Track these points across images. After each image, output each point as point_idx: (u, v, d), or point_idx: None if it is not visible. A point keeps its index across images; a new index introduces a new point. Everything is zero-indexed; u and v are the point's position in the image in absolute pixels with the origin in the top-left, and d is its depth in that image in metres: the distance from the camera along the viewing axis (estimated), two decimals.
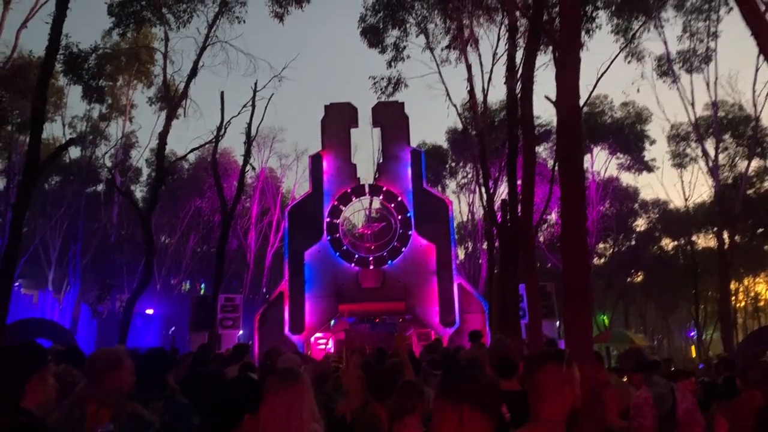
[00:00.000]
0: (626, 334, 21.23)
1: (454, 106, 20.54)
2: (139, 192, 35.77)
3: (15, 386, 2.37)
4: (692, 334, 40.85)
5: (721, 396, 4.58)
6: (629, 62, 22.48)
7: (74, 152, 31.86)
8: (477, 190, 26.66)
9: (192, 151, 20.64)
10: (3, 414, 2.25)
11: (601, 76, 17.00)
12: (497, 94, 53.18)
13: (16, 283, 27.49)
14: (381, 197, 18.55)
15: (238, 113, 18.72)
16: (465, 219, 38.37)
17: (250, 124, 18.61)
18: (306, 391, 2.57)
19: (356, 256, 17.74)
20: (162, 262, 32.57)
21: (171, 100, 18.40)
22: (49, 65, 10.91)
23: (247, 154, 18.75)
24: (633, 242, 37.23)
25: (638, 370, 4.89)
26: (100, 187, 33.16)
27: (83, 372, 3.35)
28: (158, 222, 31.79)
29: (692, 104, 26.52)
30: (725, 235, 23.66)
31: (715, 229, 26.57)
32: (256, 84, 18.99)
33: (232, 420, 2.50)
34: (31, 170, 10.21)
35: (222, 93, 18.33)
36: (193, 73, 17.95)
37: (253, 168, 20.34)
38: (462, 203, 37.55)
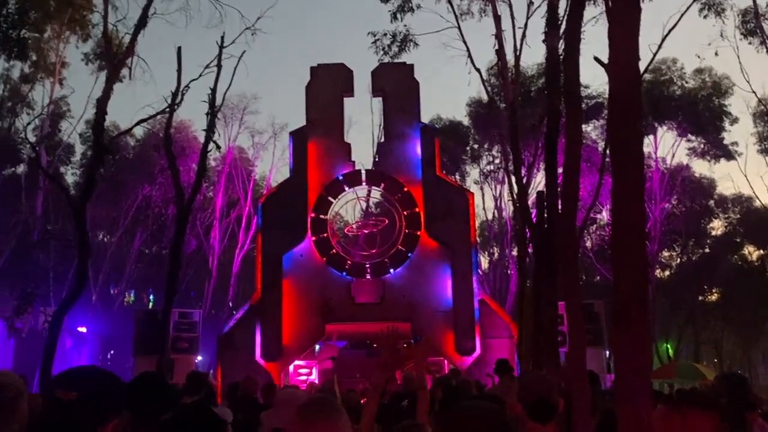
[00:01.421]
0: (696, 368, 21.22)
1: (478, 70, 20.48)
2: (70, 175, 35.80)
3: None
4: None
5: None
6: (705, 17, 22.40)
7: None
8: (506, 179, 26.64)
9: (139, 123, 20.62)
10: None
11: (668, 33, 17.03)
12: (534, 56, 53.19)
13: None
14: (382, 187, 18.57)
15: (199, 75, 18.66)
16: (490, 217, 38.41)
17: (214, 90, 18.57)
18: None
19: (349, 262, 17.76)
20: (99, 266, 32.60)
21: (113, 58, 18.38)
22: None
23: (211, 129, 18.72)
24: (707, 250, 37.21)
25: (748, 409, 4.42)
26: (21, 169, 33.20)
27: None
28: (95, 215, 31.77)
29: None
30: None
31: None
32: (222, 38, 18.94)
33: None
34: None
35: (179, 49, 18.29)
36: (142, 22, 17.89)
37: (218, 147, 20.28)
38: (486, 196, 37.59)
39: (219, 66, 18.79)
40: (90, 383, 2.64)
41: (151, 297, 37.94)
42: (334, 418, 2.64)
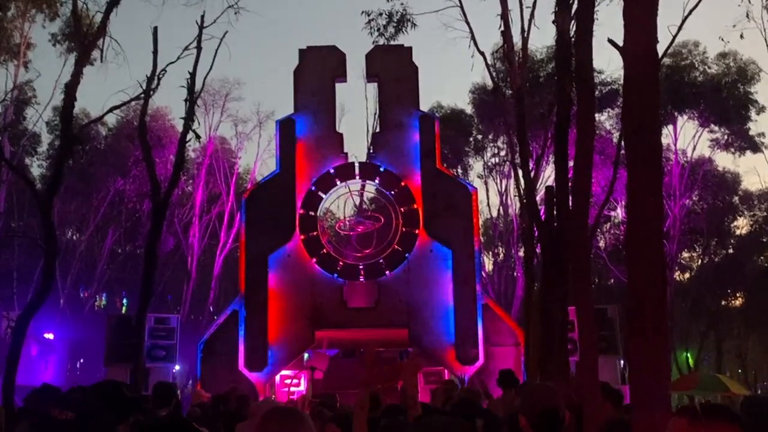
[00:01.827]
0: (719, 379, 21.27)
1: (482, 54, 20.44)
2: (36, 167, 35.67)
3: None
4: None
5: None
6: None
7: None
8: (512, 173, 26.67)
9: (112, 110, 20.52)
10: None
11: (689, 13, 16.98)
12: (543, 38, 53.25)
13: None
14: (377, 181, 18.57)
15: (177, 58, 18.62)
16: (495, 214, 38.45)
17: (193, 75, 18.54)
18: None
19: (341, 263, 17.76)
20: (68, 266, 32.54)
21: (83, 39, 18.35)
22: None
23: (190, 117, 18.68)
24: (730, 251, 37.28)
25: None
26: None
27: None
28: (63, 210, 31.71)
29: None
30: None
31: None
32: (203, 17, 18.90)
33: None
34: None
35: (155, 29, 18.27)
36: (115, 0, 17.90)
37: (198, 137, 20.23)
38: (491, 191, 37.59)
39: (199, 48, 18.75)
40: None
41: (125, 301, 37.83)
42: (295, 428, 2.68)
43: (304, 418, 2.77)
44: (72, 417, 2.77)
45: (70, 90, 17.23)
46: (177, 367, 19.26)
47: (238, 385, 9.73)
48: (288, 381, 17.54)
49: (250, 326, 17.40)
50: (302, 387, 17.47)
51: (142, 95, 18.50)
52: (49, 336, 30.43)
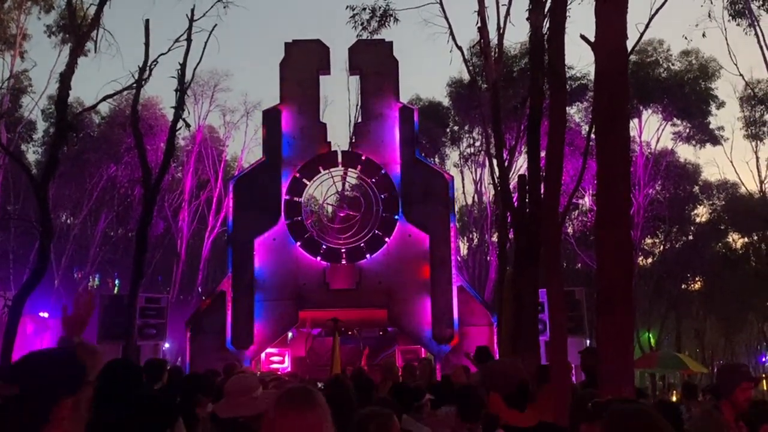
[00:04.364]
0: (678, 357, 21.54)
1: (460, 48, 20.46)
2: (32, 154, 35.37)
3: None
4: (765, 359, 41.49)
5: None
6: None
7: None
8: (487, 162, 26.71)
9: (105, 99, 20.33)
10: None
11: (656, 12, 16.99)
12: (517, 34, 53.32)
13: None
14: (358, 169, 18.54)
15: (168, 50, 18.48)
16: (470, 201, 38.56)
17: (183, 66, 18.40)
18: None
19: (324, 246, 17.74)
20: (62, 248, 32.31)
21: (77, 30, 18.14)
22: None
23: (180, 107, 18.56)
24: (690, 237, 37.63)
25: None
26: None
27: None
28: (58, 195, 31.47)
29: None
30: None
31: None
32: (193, 11, 18.75)
33: None
34: None
35: (147, 21, 18.09)
36: None
37: (188, 125, 20.13)
38: (466, 180, 37.73)
39: (189, 40, 18.62)
40: (35, 375, 2.34)
41: (117, 281, 37.67)
42: (314, 410, 2.57)
43: (319, 400, 2.67)
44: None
45: (65, 79, 17.05)
46: (167, 345, 19.18)
47: (233, 363, 9.65)
48: (273, 358, 17.56)
49: (236, 306, 17.36)
50: (287, 364, 17.51)
51: (134, 85, 18.36)
52: (45, 315, 30.26)
